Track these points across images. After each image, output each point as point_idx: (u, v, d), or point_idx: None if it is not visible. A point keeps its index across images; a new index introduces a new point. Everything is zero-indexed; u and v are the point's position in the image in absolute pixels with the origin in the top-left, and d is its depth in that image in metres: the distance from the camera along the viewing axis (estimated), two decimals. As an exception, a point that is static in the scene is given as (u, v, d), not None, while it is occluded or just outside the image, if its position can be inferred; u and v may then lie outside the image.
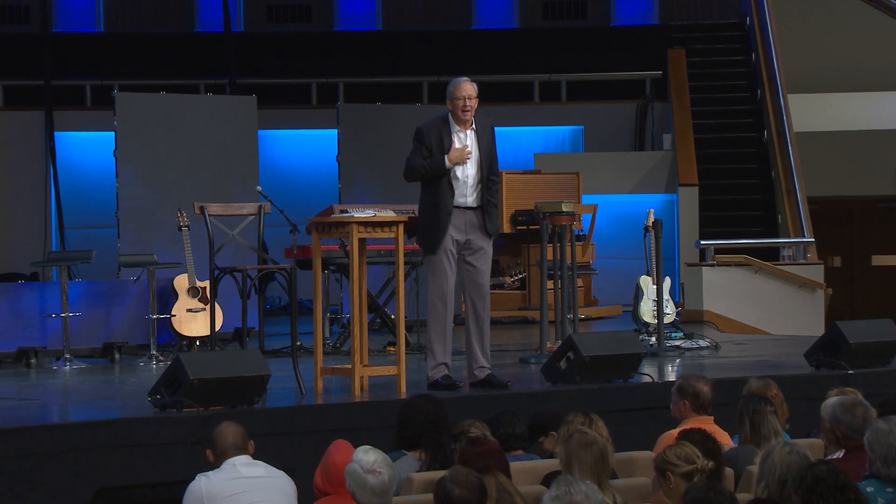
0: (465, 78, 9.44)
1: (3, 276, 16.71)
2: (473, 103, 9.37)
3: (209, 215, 10.74)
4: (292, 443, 8.35)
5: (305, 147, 19.00)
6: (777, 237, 17.03)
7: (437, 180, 9.36)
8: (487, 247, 9.50)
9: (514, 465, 6.58)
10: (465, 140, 9.43)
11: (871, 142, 19.59)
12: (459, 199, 9.40)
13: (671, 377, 10.34)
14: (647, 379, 9.88)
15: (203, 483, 6.53)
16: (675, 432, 6.94)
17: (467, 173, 9.42)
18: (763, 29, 19.05)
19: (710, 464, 6.03)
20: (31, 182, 17.98)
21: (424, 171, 9.36)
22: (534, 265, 15.24)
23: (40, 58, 18.40)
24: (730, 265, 15.55)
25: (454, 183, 9.39)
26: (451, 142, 9.38)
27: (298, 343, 10.06)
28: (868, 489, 5.86)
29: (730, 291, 15.41)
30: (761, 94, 18.77)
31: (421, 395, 7.51)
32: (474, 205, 9.44)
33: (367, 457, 5.87)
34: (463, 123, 9.42)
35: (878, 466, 5.95)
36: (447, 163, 9.32)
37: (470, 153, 9.38)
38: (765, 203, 17.97)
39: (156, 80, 18.56)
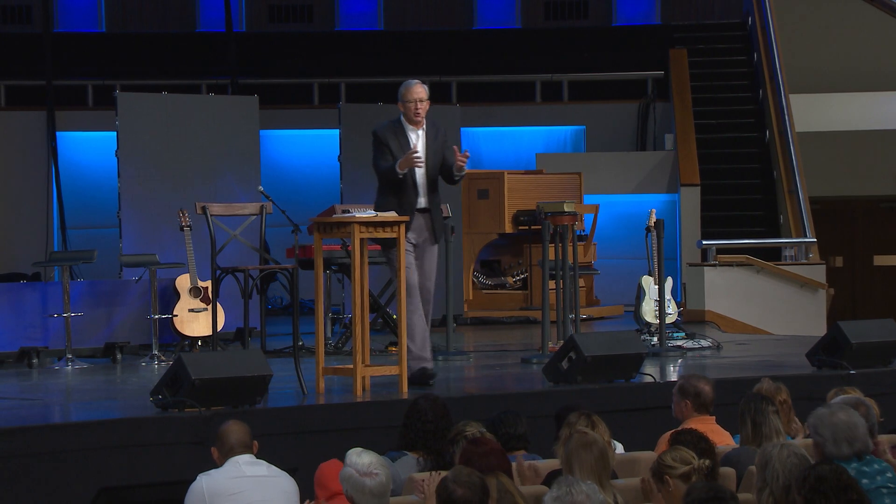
0: (416, 80, 9.73)
1: (5, 276, 16.70)
2: (425, 105, 9.66)
3: (211, 215, 10.74)
4: (294, 443, 8.36)
5: (307, 147, 19.00)
6: (779, 237, 17.02)
7: (403, 181, 9.57)
8: (434, 250, 9.69)
9: (516, 466, 6.58)
10: (417, 140, 9.66)
11: (874, 142, 19.58)
12: (417, 200, 9.64)
13: (673, 377, 10.34)
14: (648, 379, 9.88)
15: (205, 481, 6.55)
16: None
17: (418, 174, 9.68)
18: (765, 29, 19.04)
19: (707, 462, 6.03)
20: (32, 182, 17.98)
21: (386, 175, 9.59)
22: (535, 265, 15.24)
23: (42, 58, 18.40)
24: (731, 265, 15.54)
25: (410, 183, 9.63)
26: (407, 140, 9.63)
27: (300, 343, 10.06)
28: None
29: (731, 291, 15.40)
30: (763, 94, 18.77)
31: (426, 398, 7.47)
32: (425, 206, 9.60)
33: (362, 459, 5.86)
34: (415, 124, 9.69)
35: (830, 448, 5.98)
36: (398, 171, 9.52)
37: (418, 157, 9.53)
38: (766, 203, 17.96)
39: (158, 80, 18.57)
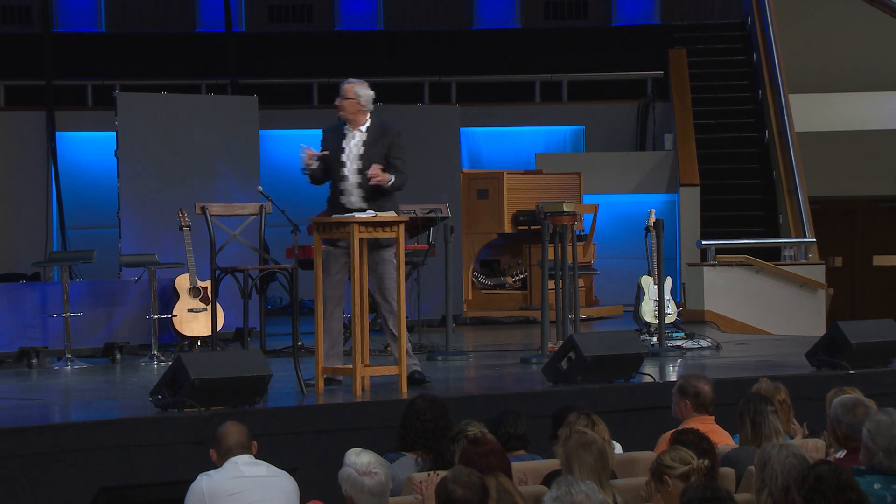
0: (352, 80, 9.78)
1: (4, 276, 16.69)
2: (347, 104, 9.66)
3: (210, 215, 10.74)
4: (294, 443, 8.36)
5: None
6: (778, 237, 17.02)
7: (334, 180, 9.67)
8: (385, 252, 9.62)
9: (516, 465, 6.58)
10: (353, 140, 9.67)
11: (873, 142, 19.59)
12: (346, 200, 9.63)
13: (672, 377, 10.34)
14: (648, 379, 9.89)
15: (205, 482, 6.55)
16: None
17: (348, 174, 9.67)
18: (764, 29, 19.04)
19: (706, 462, 6.03)
20: (32, 182, 17.97)
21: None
22: (535, 265, 15.24)
23: (42, 58, 18.40)
24: (731, 265, 15.55)
25: (340, 182, 9.65)
26: (340, 140, 9.68)
27: (300, 343, 10.06)
28: (875, 486, 5.82)
29: (731, 291, 15.41)
30: (763, 94, 18.77)
31: (424, 397, 7.47)
32: (360, 206, 9.58)
33: (361, 459, 5.86)
34: (351, 124, 9.75)
35: (881, 458, 5.89)
36: (306, 170, 9.74)
37: (310, 158, 9.63)
38: (766, 203, 17.96)
39: (157, 80, 18.56)
